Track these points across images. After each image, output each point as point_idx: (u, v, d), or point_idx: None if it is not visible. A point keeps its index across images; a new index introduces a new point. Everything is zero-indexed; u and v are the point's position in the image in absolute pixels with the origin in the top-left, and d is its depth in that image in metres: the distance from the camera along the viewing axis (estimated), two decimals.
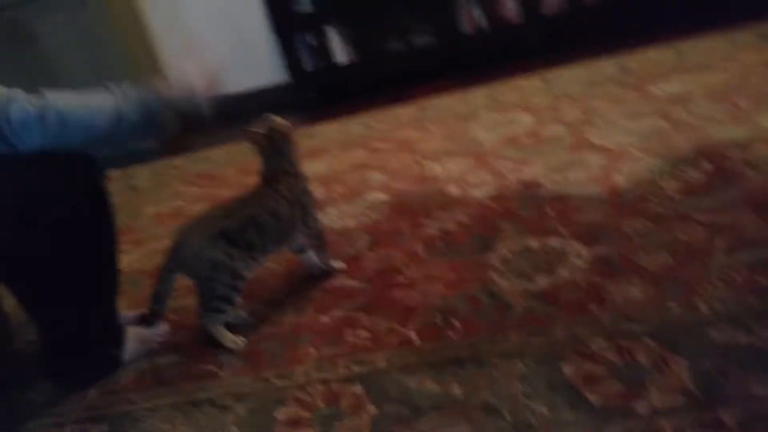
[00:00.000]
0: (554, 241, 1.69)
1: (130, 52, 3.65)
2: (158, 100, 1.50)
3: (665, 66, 2.74)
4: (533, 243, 1.72)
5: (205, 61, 1.60)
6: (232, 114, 3.94)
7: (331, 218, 2.16)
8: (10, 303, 1.77)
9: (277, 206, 1.66)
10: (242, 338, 1.62)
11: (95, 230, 1.56)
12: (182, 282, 1.97)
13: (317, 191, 2.40)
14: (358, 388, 1.36)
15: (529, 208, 1.90)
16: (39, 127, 1.38)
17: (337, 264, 1.83)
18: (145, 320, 1.64)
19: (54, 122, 1.39)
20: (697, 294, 1.36)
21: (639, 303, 1.39)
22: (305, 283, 1.81)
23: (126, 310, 1.84)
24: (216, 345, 1.62)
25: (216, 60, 1.61)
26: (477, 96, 3.02)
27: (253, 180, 1.81)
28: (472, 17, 3.49)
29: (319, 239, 1.79)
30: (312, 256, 1.81)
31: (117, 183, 3.13)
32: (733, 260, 1.44)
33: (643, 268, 1.50)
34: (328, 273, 1.81)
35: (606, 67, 2.93)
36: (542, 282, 1.55)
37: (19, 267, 1.48)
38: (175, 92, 1.54)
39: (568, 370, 1.26)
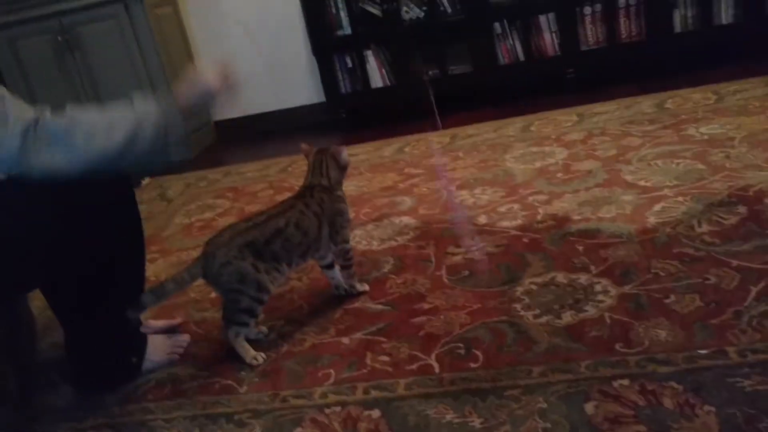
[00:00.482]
0: (582, 277, 1.67)
1: (172, 64, 3.72)
2: (176, 111, 1.47)
3: (704, 108, 2.71)
4: (560, 277, 1.70)
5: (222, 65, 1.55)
6: (268, 130, 4.01)
7: (357, 239, 2.16)
8: (38, 305, 1.79)
9: (304, 220, 1.67)
10: (263, 355, 1.62)
11: (123, 238, 1.58)
12: (206, 294, 1.98)
13: None
14: (376, 413, 1.35)
15: (557, 242, 1.88)
16: (65, 141, 1.34)
17: (361, 286, 1.82)
18: (128, 303, 1.53)
19: (80, 140, 1.35)
20: (728, 340, 1.33)
21: (667, 345, 1.36)
22: (328, 302, 1.81)
23: (150, 319, 1.86)
24: (237, 359, 1.62)
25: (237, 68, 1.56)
26: (511, 127, 3.02)
27: (283, 197, 1.82)
28: (509, 49, 3.51)
29: (346, 260, 1.78)
30: (338, 274, 1.81)
31: (150, 192, 3.18)
32: (766, 307, 1.41)
33: (672, 310, 1.47)
34: (351, 294, 1.81)
35: (643, 105, 2.91)
36: (568, 318, 1.53)
37: (47, 273, 1.50)
38: (192, 96, 1.51)
39: (590, 409, 1.24)
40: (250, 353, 1.61)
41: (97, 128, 1.37)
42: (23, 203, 1.39)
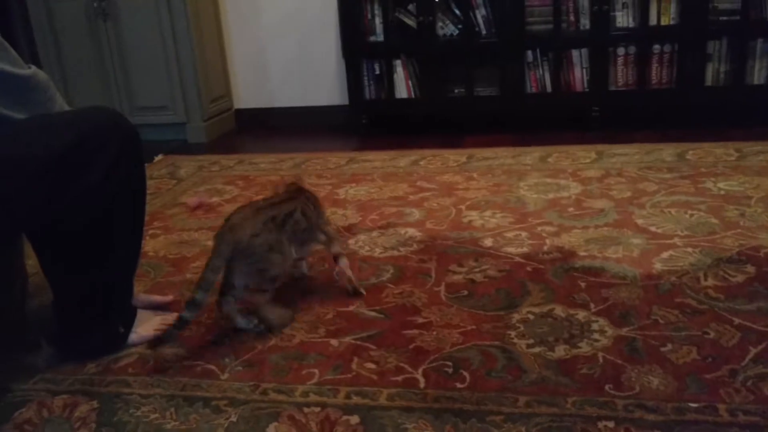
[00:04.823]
0: (580, 313, 1.65)
1: (202, 46, 3.73)
2: None
3: (724, 163, 2.70)
4: (559, 310, 1.67)
5: None
6: (287, 124, 4.01)
7: (360, 244, 2.15)
8: (32, 263, 1.78)
9: (307, 209, 1.77)
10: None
11: (125, 204, 1.56)
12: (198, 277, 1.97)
13: (353, 215, 2.40)
14: (354, 420, 1.33)
15: (560, 275, 1.86)
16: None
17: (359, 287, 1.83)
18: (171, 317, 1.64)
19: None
20: (720, 397, 1.31)
21: (657, 394, 1.33)
22: (322, 303, 1.80)
23: (142, 293, 1.85)
24: (222, 344, 1.60)
25: None
26: (529, 155, 3.00)
27: None
28: (538, 78, 3.50)
29: (330, 240, 1.85)
30: (304, 266, 1.93)
31: (161, 169, 3.18)
32: (763, 370, 1.38)
33: (667, 359, 1.44)
34: (353, 291, 1.82)
35: (664, 152, 2.89)
36: (561, 351, 1.50)
37: (45, 229, 1.49)
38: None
39: None
40: (278, 313, 1.68)
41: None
42: (29, 136, 1.41)
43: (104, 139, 1.47)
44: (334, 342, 1.61)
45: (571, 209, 2.34)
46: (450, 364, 1.48)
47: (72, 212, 1.45)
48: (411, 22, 3.55)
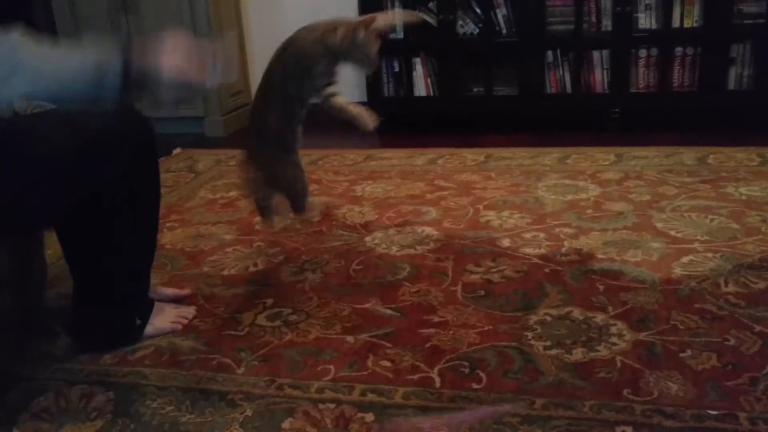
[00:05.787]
0: (598, 316, 1.64)
1: (221, 42, 3.73)
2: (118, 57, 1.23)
3: (746, 168, 2.66)
4: (576, 313, 1.66)
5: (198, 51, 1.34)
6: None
7: (377, 242, 2.14)
8: (53, 253, 1.79)
9: None
10: None
11: (140, 197, 1.56)
12: (219, 270, 1.98)
13: (369, 213, 2.39)
14: (369, 417, 1.32)
15: (578, 277, 1.84)
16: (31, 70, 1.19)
17: None
18: None
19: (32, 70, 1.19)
20: (740, 405, 1.29)
21: (676, 400, 1.32)
22: (338, 299, 1.79)
23: (159, 285, 1.85)
24: (237, 339, 1.60)
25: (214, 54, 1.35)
26: (547, 156, 2.98)
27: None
28: (558, 79, 3.48)
29: None
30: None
31: (178, 163, 3.19)
32: None
33: (686, 365, 1.43)
34: None
35: (684, 156, 2.86)
36: (578, 354, 1.49)
37: (63, 222, 1.49)
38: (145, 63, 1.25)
39: None
40: None
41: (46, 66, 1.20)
42: (46, 132, 1.40)
43: (120, 133, 1.47)
44: (349, 339, 1.61)
45: (589, 211, 2.32)
46: (466, 364, 1.48)
47: (88, 205, 1.46)
48: (431, 19, 3.54)
